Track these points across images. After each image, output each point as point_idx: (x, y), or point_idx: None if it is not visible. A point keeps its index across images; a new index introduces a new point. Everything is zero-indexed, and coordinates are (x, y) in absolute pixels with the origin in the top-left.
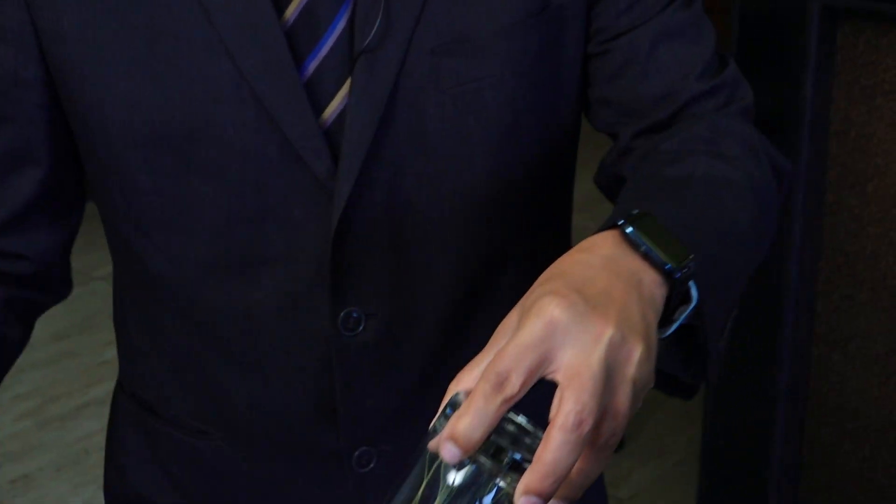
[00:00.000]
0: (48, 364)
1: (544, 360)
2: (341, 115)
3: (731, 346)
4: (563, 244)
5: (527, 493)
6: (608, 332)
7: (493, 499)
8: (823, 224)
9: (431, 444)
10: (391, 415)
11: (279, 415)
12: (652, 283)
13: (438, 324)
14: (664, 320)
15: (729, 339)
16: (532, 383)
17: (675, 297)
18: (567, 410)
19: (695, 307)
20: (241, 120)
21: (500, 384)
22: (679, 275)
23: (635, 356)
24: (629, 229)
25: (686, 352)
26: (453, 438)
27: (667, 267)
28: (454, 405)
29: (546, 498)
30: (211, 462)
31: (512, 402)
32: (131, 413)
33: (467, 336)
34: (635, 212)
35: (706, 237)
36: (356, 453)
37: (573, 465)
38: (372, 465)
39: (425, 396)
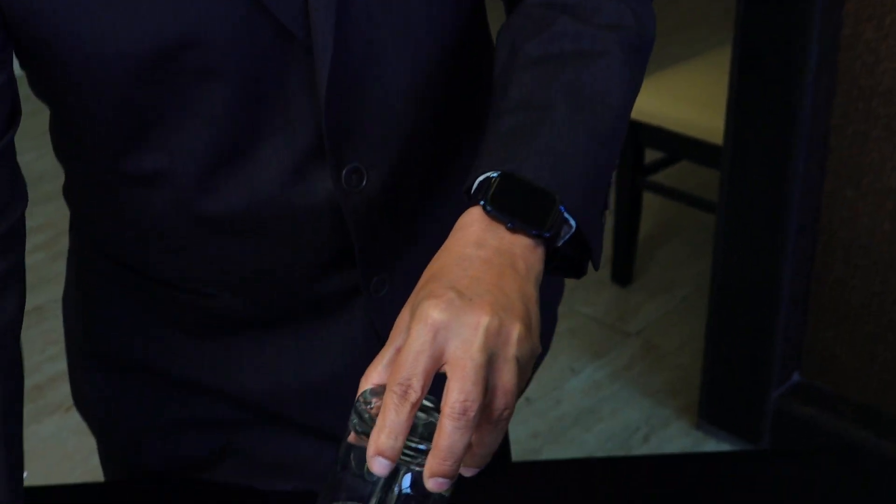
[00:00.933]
0: (59, 197)
1: (436, 359)
2: None
3: (742, 179)
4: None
5: (432, 476)
6: (484, 321)
7: (409, 481)
8: (839, 58)
9: (350, 438)
10: (403, 246)
11: (292, 274)
12: (525, 250)
13: (428, 159)
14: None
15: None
16: (430, 382)
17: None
18: (452, 400)
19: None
20: (232, 13)
21: (405, 392)
22: (549, 234)
23: (514, 336)
24: (490, 209)
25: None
26: (379, 453)
27: (534, 233)
28: (364, 401)
29: (451, 476)
30: (220, 313)
31: (418, 405)
32: (114, 276)
33: (451, 162)
34: (495, 175)
35: (577, 156)
36: (373, 281)
37: (467, 444)
38: (385, 290)
39: (428, 220)
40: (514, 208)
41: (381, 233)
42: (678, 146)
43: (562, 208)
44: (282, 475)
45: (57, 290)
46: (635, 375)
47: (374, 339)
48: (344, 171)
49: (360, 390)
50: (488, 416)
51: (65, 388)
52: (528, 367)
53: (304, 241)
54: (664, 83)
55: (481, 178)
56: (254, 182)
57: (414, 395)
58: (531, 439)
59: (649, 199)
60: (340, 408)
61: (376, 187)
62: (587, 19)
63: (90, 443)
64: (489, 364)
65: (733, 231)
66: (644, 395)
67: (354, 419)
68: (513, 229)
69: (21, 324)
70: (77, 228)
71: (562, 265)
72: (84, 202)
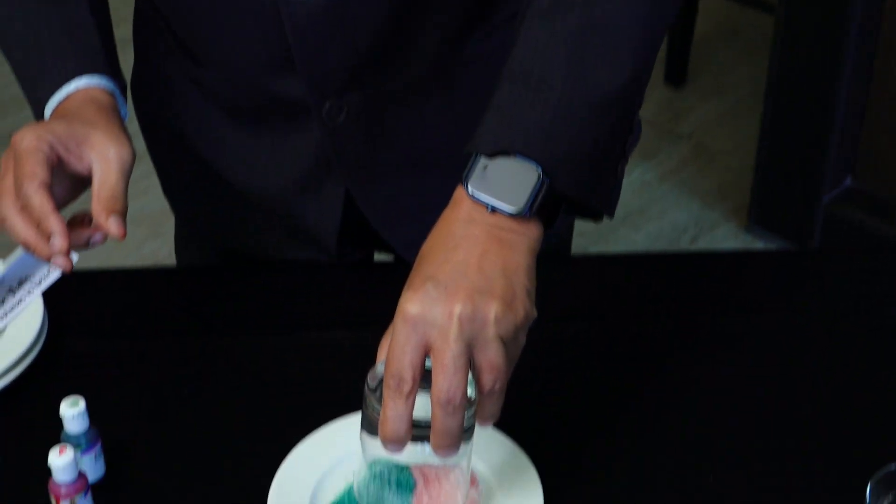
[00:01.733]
0: None
1: (421, 349)
2: None
3: None
4: None
5: (436, 450)
6: (457, 309)
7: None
8: None
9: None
10: (354, 71)
11: (245, 67)
12: (513, 223)
13: None
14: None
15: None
16: (422, 369)
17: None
18: (437, 390)
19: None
20: None
21: (398, 385)
22: (528, 212)
23: (490, 317)
24: (471, 191)
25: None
26: (388, 441)
27: (514, 213)
28: (370, 388)
29: (453, 449)
30: (209, 88)
31: (413, 392)
32: (156, 19)
33: (426, 6)
34: (481, 156)
35: (573, 127)
36: (325, 106)
37: (462, 421)
38: (342, 119)
39: (385, 54)
40: (495, 189)
41: (328, 52)
42: None
43: (547, 180)
44: (306, 244)
45: None
46: (685, 177)
47: (325, 166)
48: None
49: (378, 360)
50: (482, 388)
51: None
52: (519, 336)
53: (251, 30)
54: None
55: (473, 155)
56: None
57: (406, 387)
58: (578, 237)
59: None
60: (300, 217)
61: (321, 3)
62: None
63: (141, 232)
64: (470, 349)
65: (791, 32)
66: (693, 196)
67: (368, 394)
68: (493, 211)
69: None
70: None
71: (582, 209)
72: None
